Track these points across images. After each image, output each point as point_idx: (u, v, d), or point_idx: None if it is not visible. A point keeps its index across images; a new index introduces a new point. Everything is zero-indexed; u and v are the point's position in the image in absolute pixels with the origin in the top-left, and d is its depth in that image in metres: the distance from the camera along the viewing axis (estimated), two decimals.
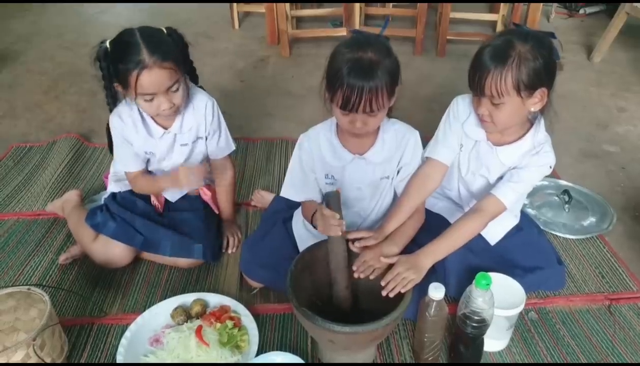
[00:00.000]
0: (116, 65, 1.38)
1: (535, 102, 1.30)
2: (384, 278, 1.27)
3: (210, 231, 1.71)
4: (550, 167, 1.42)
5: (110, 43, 1.41)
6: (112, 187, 1.71)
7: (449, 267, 1.46)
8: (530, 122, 1.41)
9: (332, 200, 1.26)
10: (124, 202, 1.65)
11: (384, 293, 1.25)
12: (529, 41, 1.24)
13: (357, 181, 1.45)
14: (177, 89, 1.45)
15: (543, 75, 1.25)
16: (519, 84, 1.24)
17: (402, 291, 1.23)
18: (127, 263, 1.61)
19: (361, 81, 1.20)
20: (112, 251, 1.57)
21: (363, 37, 1.27)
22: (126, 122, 1.54)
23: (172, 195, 1.71)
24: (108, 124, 1.58)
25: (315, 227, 1.39)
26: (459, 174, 1.55)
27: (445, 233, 1.38)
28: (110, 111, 1.55)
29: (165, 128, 1.55)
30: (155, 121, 1.54)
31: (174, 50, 1.43)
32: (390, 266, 1.31)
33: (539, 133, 1.40)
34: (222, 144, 1.68)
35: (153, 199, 1.69)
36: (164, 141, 1.57)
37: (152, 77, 1.37)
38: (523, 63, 1.23)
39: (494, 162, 1.45)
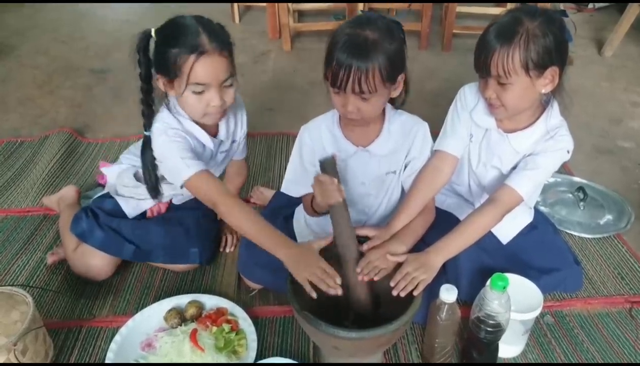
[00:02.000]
0: (166, 51, 1.24)
1: (545, 84, 1.22)
2: (393, 277, 1.18)
3: (209, 231, 1.60)
4: (568, 151, 1.33)
5: (156, 31, 1.29)
6: (124, 203, 1.51)
7: (460, 267, 1.37)
8: (543, 106, 1.33)
9: (328, 165, 1.16)
10: (114, 207, 1.51)
11: (394, 293, 1.16)
12: (538, 17, 1.17)
13: (361, 176, 1.36)
14: (231, 85, 1.31)
15: (553, 53, 1.18)
16: (527, 62, 1.17)
17: (415, 293, 1.14)
18: (106, 276, 1.49)
19: (351, 57, 1.12)
20: (91, 262, 1.46)
21: (367, 16, 1.19)
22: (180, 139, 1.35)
23: (180, 198, 1.58)
24: (146, 148, 1.37)
25: (317, 212, 1.31)
26: (469, 167, 1.47)
27: (456, 229, 1.29)
28: (145, 125, 1.36)
29: (214, 135, 1.43)
30: (201, 128, 1.38)
31: (230, 41, 1.31)
32: (398, 266, 1.22)
33: (552, 118, 1.32)
34: (242, 146, 1.61)
35: (150, 213, 1.55)
36: (209, 149, 1.44)
37: (211, 64, 1.24)
38: (531, 40, 1.16)
39: (506, 151, 1.36)
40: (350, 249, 1.19)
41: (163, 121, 1.35)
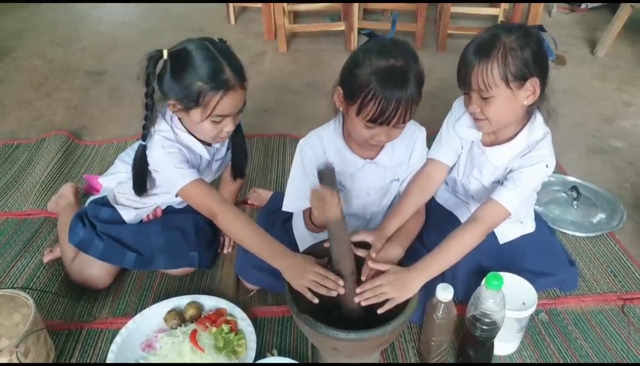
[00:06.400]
0: (187, 80, 1.23)
1: (527, 95, 1.22)
2: (361, 285, 1.17)
3: (206, 234, 1.60)
4: (547, 166, 1.29)
5: (170, 54, 1.25)
6: (123, 212, 1.51)
7: (456, 268, 1.38)
8: (527, 119, 1.31)
9: (327, 175, 1.06)
10: (111, 216, 1.50)
11: (356, 300, 1.15)
12: (515, 32, 1.18)
13: (367, 187, 1.37)
14: (242, 110, 1.34)
15: (531, 64, 1.19)
16: (506, 74, 1.18)
17: (379, 311, 1.13)
18: (105, 285, 1.49)
19: (398, 91, 1.11)
20: (89, 272, 1.47)
21: (389, 42, 1.18)
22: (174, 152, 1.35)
23: (178, 201, 1.56)
24: (140, 157, 1.36)
25: (317, 226, 1.31)
26: (457, 176, 1.49)
27: (440, 247, 1.26)
28: (144, 137, 1.33)
29: (209, 145, 1.43)
30: (200, 142, 1.39)
31: (243, 67, 1.30)
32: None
33: (535, 131, 1.30)
34: None
35: (145, 219, 1.55)
36: (205, 159, 1.45)
37: (234, 98, 1.26)
38: (509, 53, 1.17)
39: (485, 164, 1.37)
40: (347, 265, 1.15)
41: (160, 133, 1.34)
